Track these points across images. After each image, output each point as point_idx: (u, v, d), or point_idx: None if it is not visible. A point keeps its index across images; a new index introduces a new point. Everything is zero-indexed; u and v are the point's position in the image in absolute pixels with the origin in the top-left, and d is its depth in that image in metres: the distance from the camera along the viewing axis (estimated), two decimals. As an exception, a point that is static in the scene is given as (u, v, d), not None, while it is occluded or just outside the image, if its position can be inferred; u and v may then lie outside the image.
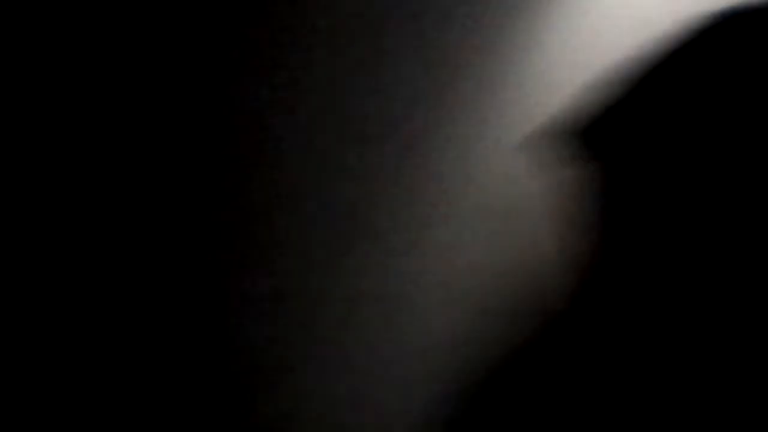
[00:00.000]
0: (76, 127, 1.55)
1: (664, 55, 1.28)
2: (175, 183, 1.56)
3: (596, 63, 1.50)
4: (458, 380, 1.50)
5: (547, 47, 1.55)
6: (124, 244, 1.54)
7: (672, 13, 1.46)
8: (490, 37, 1.57)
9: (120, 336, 1.52)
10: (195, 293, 1.54)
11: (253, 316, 1.54)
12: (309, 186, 1.56)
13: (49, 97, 1.55)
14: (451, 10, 1.58)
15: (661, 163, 1.23)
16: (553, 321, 1.46)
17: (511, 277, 1.52)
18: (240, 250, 1.55)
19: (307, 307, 1.55)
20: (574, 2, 1.56)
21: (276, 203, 1.56)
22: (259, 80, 1.57)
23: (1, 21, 1.54)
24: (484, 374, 1.48)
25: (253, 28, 1.58)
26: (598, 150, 1.30)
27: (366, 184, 1.57)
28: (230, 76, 1.57)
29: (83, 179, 1.55)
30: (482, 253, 1.54)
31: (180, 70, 1.57)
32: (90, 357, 1.51)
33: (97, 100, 1.56)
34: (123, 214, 1.54)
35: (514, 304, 1.50)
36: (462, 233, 1.54)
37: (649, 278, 1.22)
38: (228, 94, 1.57)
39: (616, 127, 1.29)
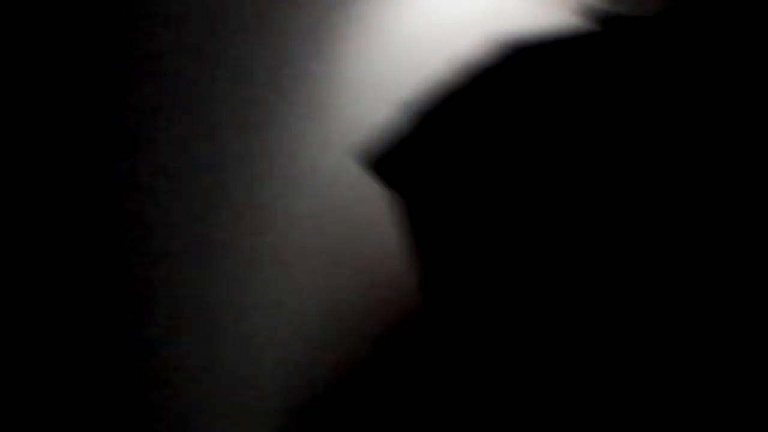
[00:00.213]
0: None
1: (464, 80, 1.32)
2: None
3: (405, 83, 1.52)
4: (314, 373, 1.52)
5: (364, 62, 1.57)
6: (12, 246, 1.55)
7: (475, 37, 1.47)
8: (309, 47, 1.58)
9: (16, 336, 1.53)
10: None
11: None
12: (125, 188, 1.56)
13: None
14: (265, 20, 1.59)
15: (464, 180, 1.29)
16: (404, 315, 1.51)
17: (352, 274, 1.54)
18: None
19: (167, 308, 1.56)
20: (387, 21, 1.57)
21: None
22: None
23: None
24: (338, 368, 1.52)
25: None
26: (403, 166, 1.34)
27: (197, 185, 1.57)
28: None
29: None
30: (321, 254, 1.55)
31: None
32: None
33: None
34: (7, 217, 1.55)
35: (359, 299, 1.53)
36: (297, 237, 1.56)
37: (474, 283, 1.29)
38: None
39: (418, 148, 1.33)
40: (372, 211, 1.54)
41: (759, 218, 1.22)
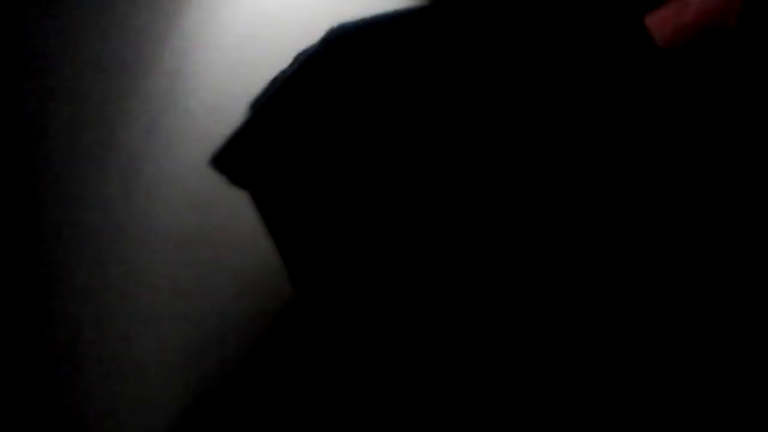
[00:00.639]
0: None
1: (297, 70, 1.32)
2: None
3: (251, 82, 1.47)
4: (207, 365, 1.60)
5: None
6: None
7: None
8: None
9: None
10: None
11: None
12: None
13: None
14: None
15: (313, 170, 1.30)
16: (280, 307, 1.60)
17: (227, 274, 1.61)
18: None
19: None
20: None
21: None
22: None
23: None
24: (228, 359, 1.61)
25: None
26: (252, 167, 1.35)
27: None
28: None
29: None
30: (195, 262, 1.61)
31: None
32: None
33: None
34: None
35: (237, 296, 1.61)
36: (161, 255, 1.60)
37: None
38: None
39: (257, 142, 1.33)
40: (233, 212, 1.57)
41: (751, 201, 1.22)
